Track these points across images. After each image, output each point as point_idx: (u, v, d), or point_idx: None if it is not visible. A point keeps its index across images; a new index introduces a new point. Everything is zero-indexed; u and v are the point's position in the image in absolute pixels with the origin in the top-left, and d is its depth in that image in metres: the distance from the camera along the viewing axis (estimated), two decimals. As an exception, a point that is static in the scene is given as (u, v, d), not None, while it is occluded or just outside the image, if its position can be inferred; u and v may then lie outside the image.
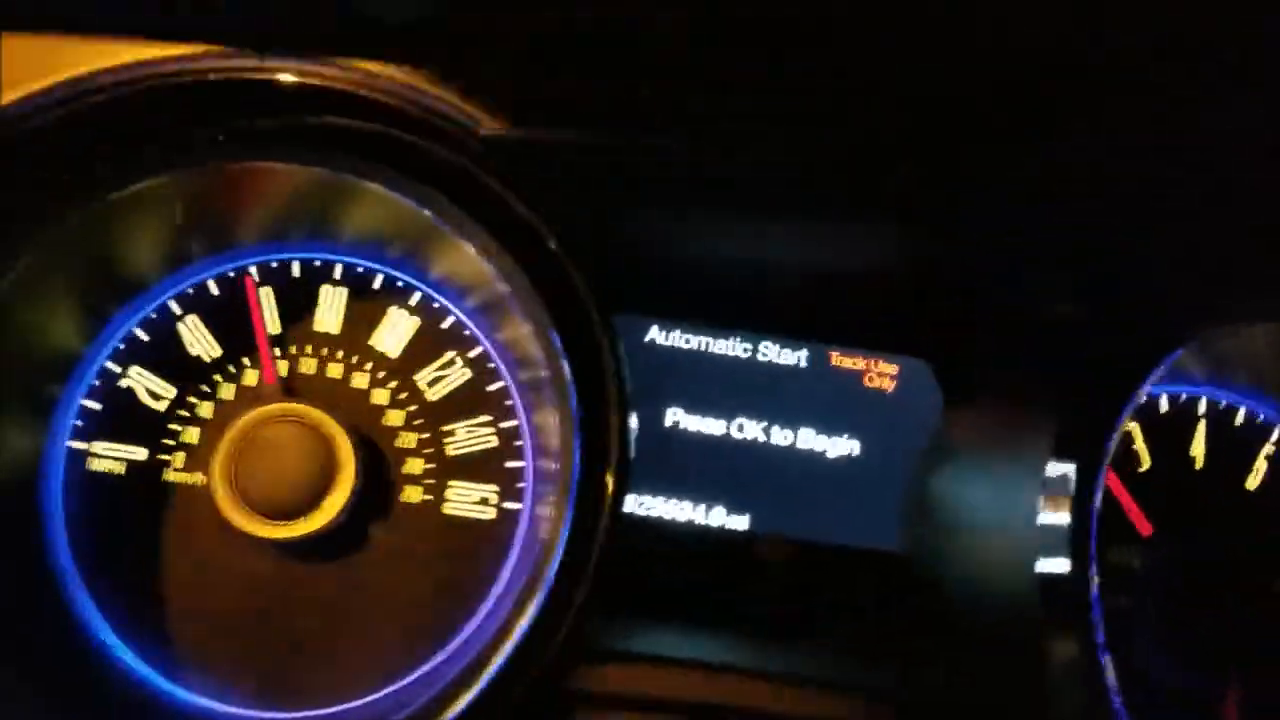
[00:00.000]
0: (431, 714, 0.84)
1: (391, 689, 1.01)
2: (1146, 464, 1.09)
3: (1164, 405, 1.11)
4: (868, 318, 1.14)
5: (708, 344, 1.15)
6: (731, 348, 1.15)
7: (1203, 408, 1.12)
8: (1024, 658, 0.86)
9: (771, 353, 1.15)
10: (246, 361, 1.06)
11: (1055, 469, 0.86)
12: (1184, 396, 1.11)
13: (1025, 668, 0.87)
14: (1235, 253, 0.94)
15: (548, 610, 0.83)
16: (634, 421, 0.91)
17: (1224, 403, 1.12)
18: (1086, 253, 0.99)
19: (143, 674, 1.01)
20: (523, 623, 0.83)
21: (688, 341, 1.15)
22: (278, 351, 1.06)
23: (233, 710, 1.01)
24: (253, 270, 1.08)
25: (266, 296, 1.08)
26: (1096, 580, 0.84)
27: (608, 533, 0.86)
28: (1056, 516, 0.85)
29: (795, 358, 1.15)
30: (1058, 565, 0.84)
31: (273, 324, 1.07)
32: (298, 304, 1.08)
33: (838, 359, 1.14)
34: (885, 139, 0.99)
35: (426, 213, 0.97)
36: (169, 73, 0.99)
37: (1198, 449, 1.10)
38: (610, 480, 0.87)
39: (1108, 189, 0.96)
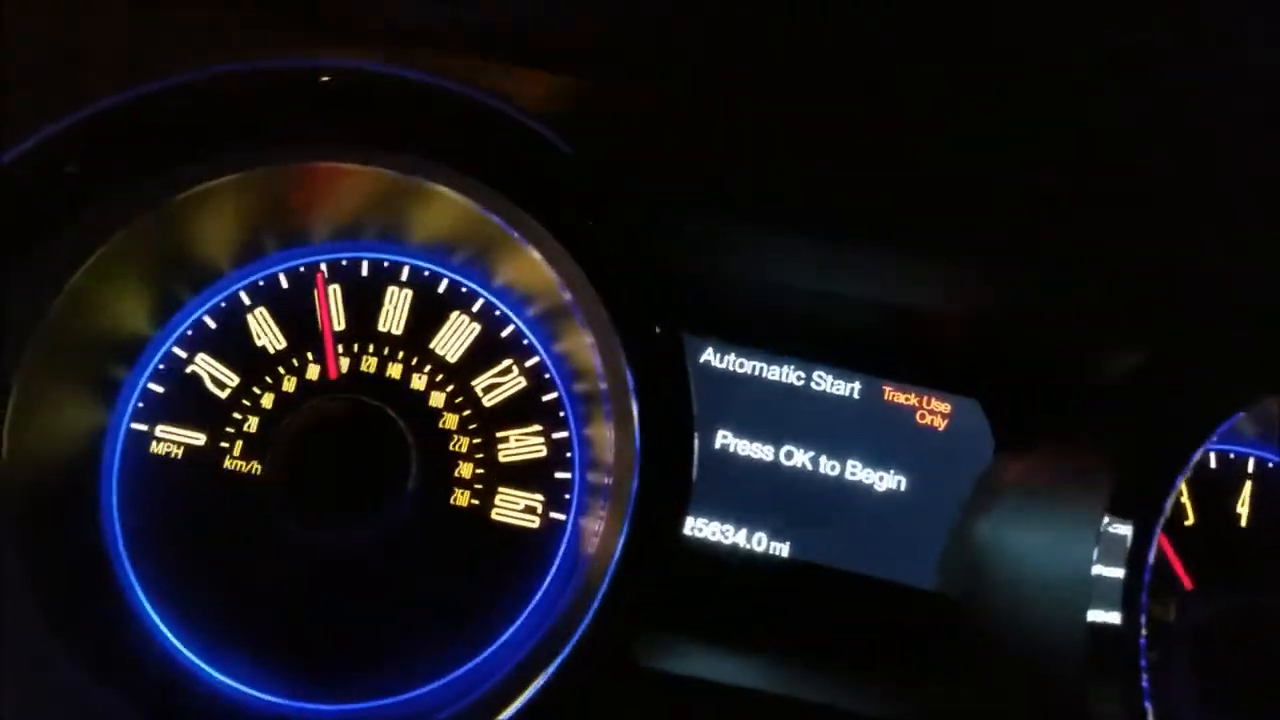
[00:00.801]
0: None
1: (428, 689, 1.02)
2: (1192, 519, 1.09)
3: (1213, 463, 1.11)
4: (923, 354, 1.15)
5: (761, 369, 1.16)
6: (785, 374, 1.16)
7: (1251, 467, 1.12)
8: (1064, 706, 0.87)
9: (824, 382, 1.16)
10: (310, 356, 1.08)
11: (1112, 525, 0.86)
12: (1233, 455, 1.11)
13: (1061, 713, 0.87)
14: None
15: (596, 627, 0.83)
16: (696, 442, 0.92)
17: (1272, 463, 1.12)
18: (1150, 309, 1.00)
19: (184, 655, 1.03)
20: (572, 636, 0.84)
21: (742, 365, 1.16)
22: (340, 349, 1.08)
23: (269, 698, 1.03)
24: (323, 267, 1.10)
25: (334, 294, 1.10)
26: (1146, 633, 0.84)
27: (665, 555, 0.86)
28: (1110, 570, 0.85)
29: (848, 389, 1.15)
30: (1109, 617, 0.84)
31: (338, 321, 1.09)
32: (364, 303, 1.10)
33: (891, 394, 1.15)
34: (962, 183, 1.00)
35: (495, 217, 0.99)
36: (247, 71, 1.01)
37: (1243, 507, 1.10)
38: (673, 502, 0.87)
39: (1177, 246, 0.97)
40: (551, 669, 0.83)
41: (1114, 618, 0.83)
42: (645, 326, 0.92)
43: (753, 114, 1.00)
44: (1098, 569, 0.85)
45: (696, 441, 0.92)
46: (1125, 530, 0.85)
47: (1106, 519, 0.86)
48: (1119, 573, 0.84)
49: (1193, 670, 1.03)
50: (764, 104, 0.99)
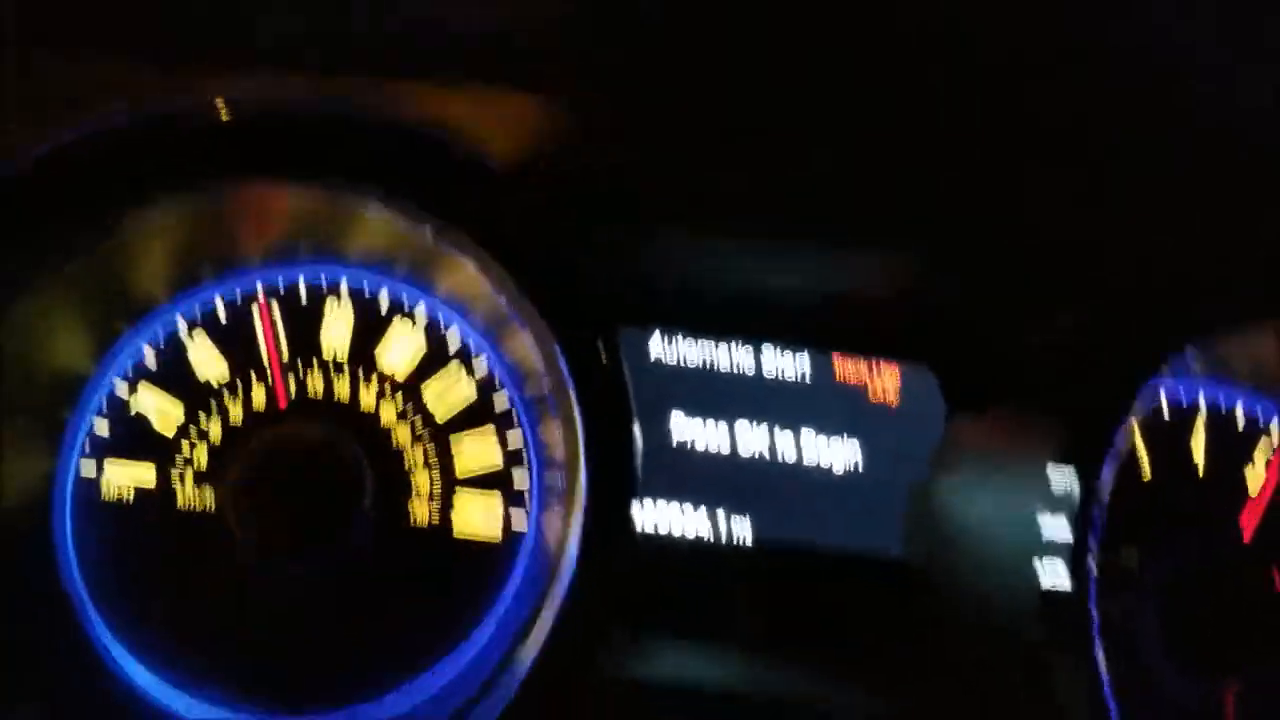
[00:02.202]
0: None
1: (399, 704, 1.02)
2: (1147, 468, 1.10)
3: (1164, 409, 1.12)
4: (870, 326, 1.15)
5: (710, 353, 1.15)
6: (733, 356, 1.15)
7: (1203, 409, 1.12)
8: (1024, 665, 0.87)
9: (774, 360, 1.15)
10: (254, 380, 1.07)
11: (1056, 476, 0.86)
12: (1184, 399, 1.12)
13: (1026, 676, 0.88)
14: (1232, 257, 0.95)
15: (559, 630, 0.83)
16: (638, 434, 0.92)
17: (1224, 404, 1.13)
18: (1086, 260, 1.00)
19: (157, 692, 1.02)
20: (534, 641, 0.84)
21: (690, 351, 1.15)
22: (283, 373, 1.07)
23: (243, 720, 1.02)
24: (260, 292, 1.08)
25: (275, 316, 1.08)
26: (1095, 586, 0.84)
27: (618, 549, 0.86)
28: (1056, 523, 0.86)
29: (797, 364, 1.15)
30: (1058, 571, 0.84)
31: (282, 345, 1.08)
32: (304, 323, 1.08)
33: (840, 364, 1.15)
34: (889, 164, 1.00)
35: (424, 231, 0.98)
36: (173, 103, 0.99)
37: (1197, 449, 1.11)
38: (620, 494, 0.87)
39: (1104, 197, 0.97)
40: (518, 677, 0.82)
41: (1062, 572, 0.84)
42: (577, 325, 0.91)
43: (676, 112, 0.99)
44: (1045, 523, 0.86)
45: (639, 432, 0.92)
46: (1069, 481, 0.85)
47: (1050, 471, 0.86)
48: (1065, 526, 0.84)
49: (1158, 621, 1.04)
50: (688, 101, 0.98)
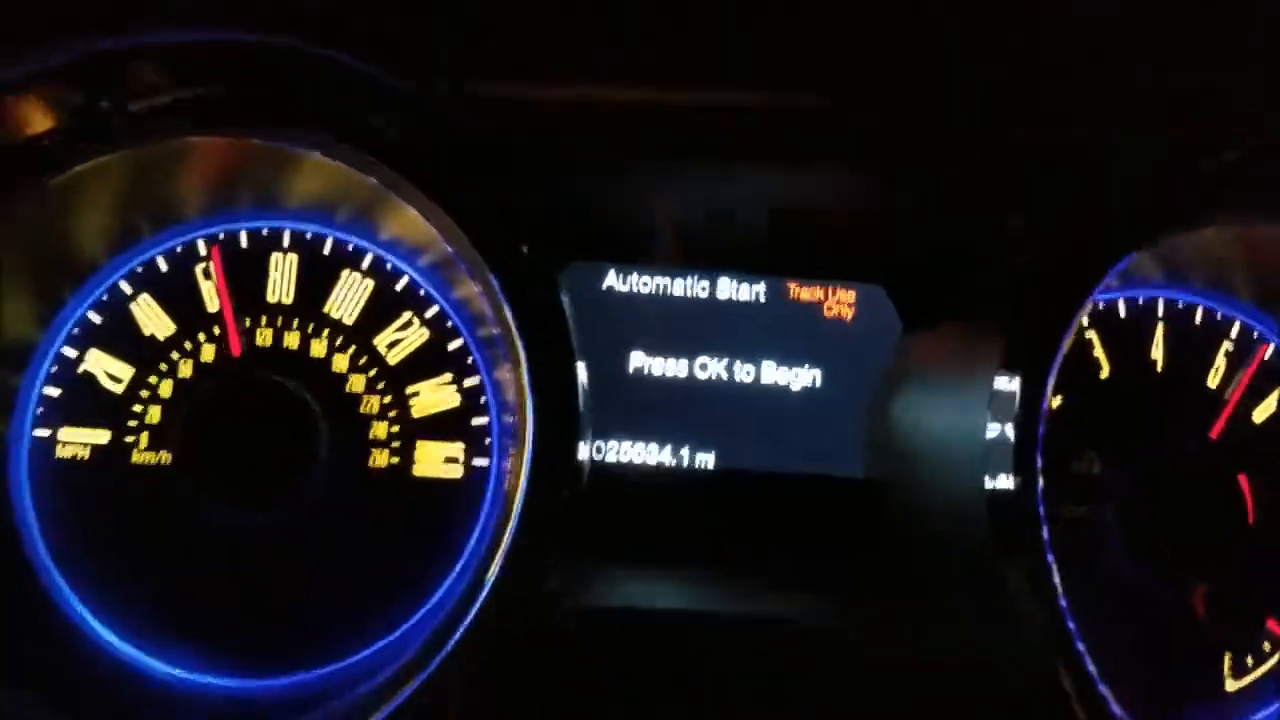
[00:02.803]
0: (400, 680, 0.84)
1: (367, 652, 1.02)
2: (1106, 370, 1.09)
3: (1122, 310, 1.11)
4: (823, 248, 1.14)
5: (666, 285, 1.15)
6: (690, 287, 1.15)
7: (1161, 310, 1.12)
8: (979, 573, 0.87)
9: (729, 289, 1.15)
10: (202, 337, 1.06)
11: (1002, 382, 0.86)
12: (1141, 300, 1.11)
13: (981, 583, 0.88)
14: (1179, 161, 0.93)
15: (509, 566, 0.83)
16: (582, 370, 0.91)
17: (1182, 303, 1.12)
18: (1033, 169, 0.99)
19: (124, 651, 1.03)
20: (487, 580, 0.83)
21: (645, 284, 1.14)
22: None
23: (215, 680, 1.02)
24: (200, 244, 1.07)
25: (216, 269, 1.07)
26: (1046, 488, 0.84)
27: (566, 485, 0.86)
28: (1002, 429, 0.85)
29: (753, 292, 1.15)
30: (1004, 474, 0.84)
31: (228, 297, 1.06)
32: (248, 275, 1.07)
33: (796, 291, 1.14)
34: (835, 82, 0.98)
35: (369, 179, 0.96)
36: (103, 50, 0.97)
37: (1157, 351, 1.10)
38: (565, 430, 0.87)
39: (1050, 105, 0.95)
40: (470, 616, 0.82)
41: (1007, 474, 0.83)
42: (516, 265, 0.90)
43: (620, 41, 0.97)
44: (992, 431, 0.85)
45: (583, 370, 0.91)
46: (1015, 383, 0.84)
47: (998, 377, 0.86)
48: (1010, 430, 0.84)
49: (1122, 523, 1.04)
50: (628, 19, 0.96)
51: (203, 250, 1.07)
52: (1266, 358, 1.12)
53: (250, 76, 0.96)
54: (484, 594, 0.83)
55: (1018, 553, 0.83)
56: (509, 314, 0.88)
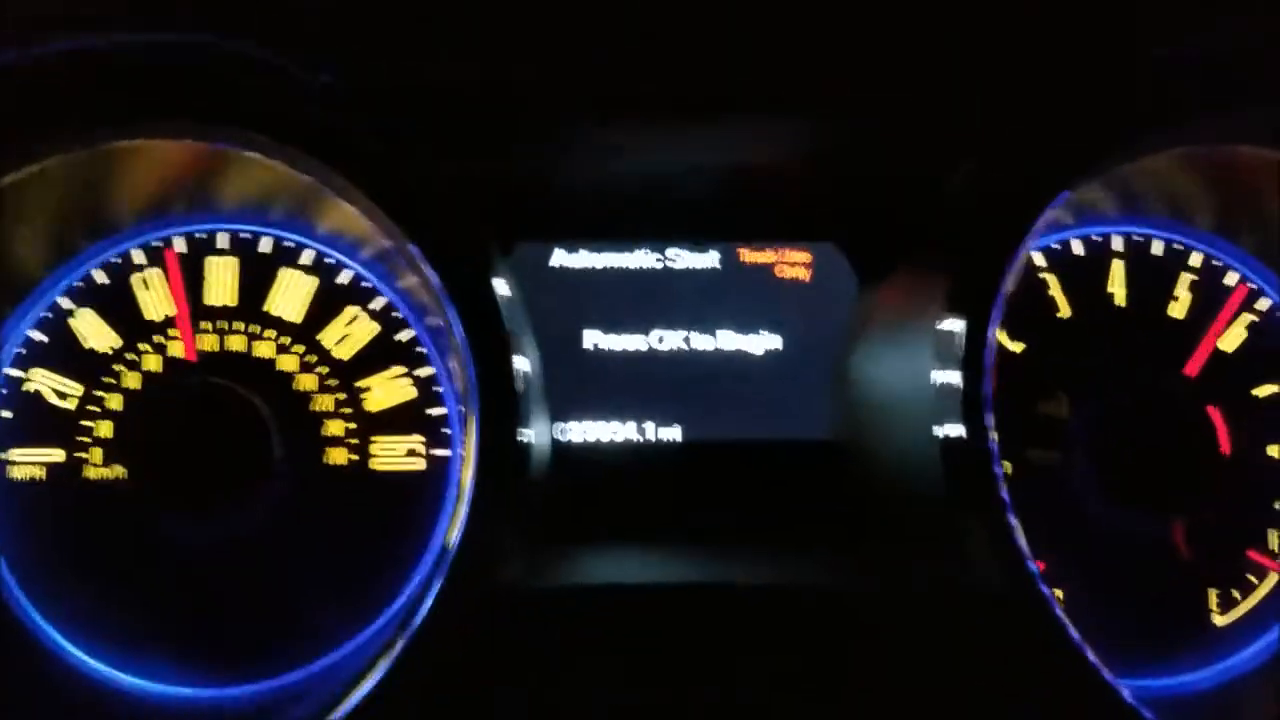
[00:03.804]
0: (362, 675, 0.83)
1: (342, 652, 1.01)
2: (1066, 311, 1.07)
3: (1079, 249, 1.09)
4: (773, 209, 1.12)
5: (615, 259, 1.13)
6: (640, 259, 1.13)
7: (1118, 245, 1.10)
8: (944, 530, 0.86)
9: (681, 258, 1.13)
10: (145, 347, 1.04)
11: (945, 325, 0.84)
12: (1098, 237, 1.09)
13: (947, 540, 0.86)
14: (1115, 91, 0.91)
15: (461, 554, 0.82)
16: (521, 356, 0.89)
17: (1141, 237, 1.10)
18: (976, 113, 0.96)
19: (93, 668, 1.02)
20: (441, 572, 0.82)
21: (595, 259, 1.13)
22: (172, 333, 1.05)
23: (188, 691, 1.01)
24: (135, 253, 1.05)
25: (157, 277, 1.05)
26: (996, 436, 0.82)
27: (511, 469, 0.84)
28: (949, 375, 0.84)
29: (705, 260, 1.13)
30: (956, 427, 0.82)
31: (166, 305, 1.05)
32: (188, 280, 1.05)
33: (748, 255, 1.12)
34: (771, 36, 0.96)
35: (303, 175, 0.94)
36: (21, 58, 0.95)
37: (1116, 287, 1.08)
38: (505, 411, 0.85)
39: (987, 41, 0.93)
40: (425, 609, 0.81)
41: (960, 428, 0.81)
42: (449, 254, 0.88)
43: (549, 5, 0.95)
44: (939, 377, 0.84)
45: (528, 354, 0.89)
46: (959, 327, 0.82)
47: (941, 322, 0.84)
48: (958, 375, 0.82)
49: (1093, 463, 1.02)
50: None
51: (139, 259, 1.05)
52: (1229, 284, 1.10)
53: (173, 76, 0.94)
54: (437, 584, 0.81)
55: (975, 503, 0.81)
56: (446, 304, 0.86)
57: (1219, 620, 1.07)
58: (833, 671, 0.95)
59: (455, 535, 0.83)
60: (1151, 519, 1.03)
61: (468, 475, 0.87)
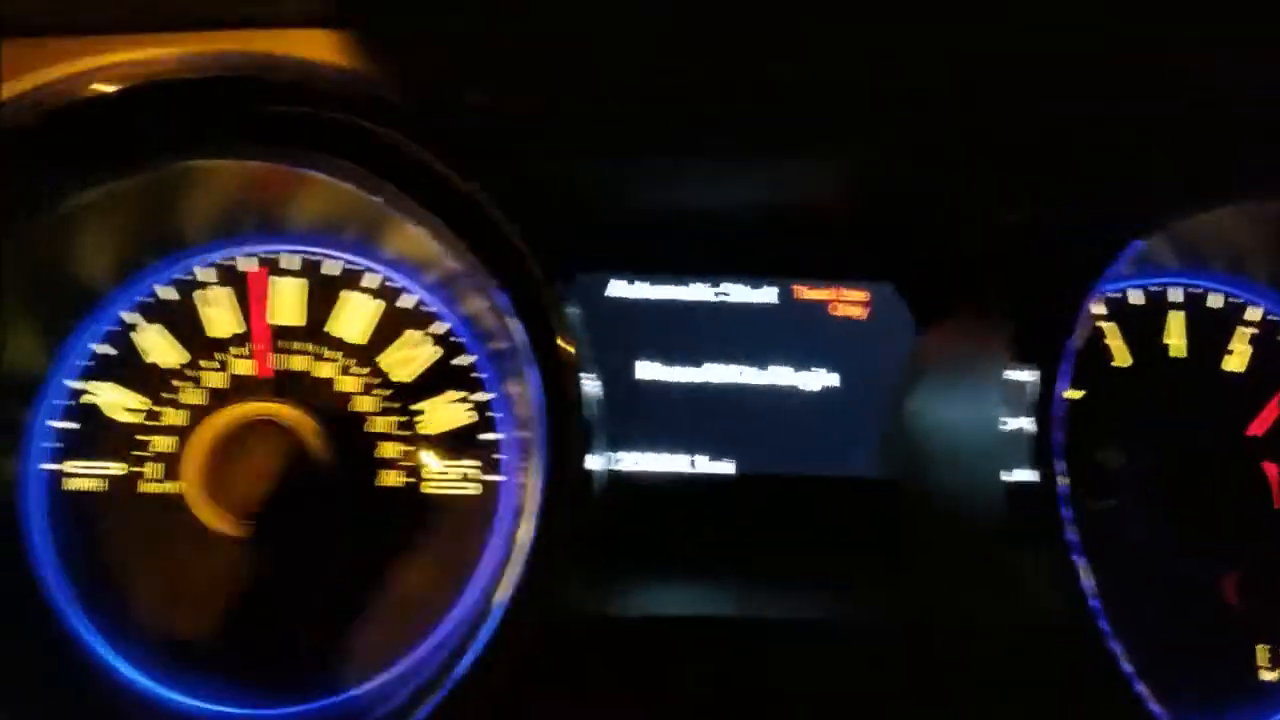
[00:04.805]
0: (414, 704, 0.83)
1: (386, 676, 1.01)
2: (1125, 361, 1.07)
3: (1138, 299, 1.09)
4: (831, 248, 1.13)
5: (672, 292, 1.14)
6: (696, 293, 1.14)
7: (1178, 297, 1.10)
8: (1000, 569, 0.86)
9: (737, 293, 1.14)
10: (208, 364, 1.05)
11: (1014, 375, 0.84)
12: (1156, 288, 1.10)
13: (1003, 579, 0.86)
14: (1181, 145, 0.92)
15: (525, 583, 0.82)
16: (589, 382, 0.90)
17: (1199, 289, 1.11)
18: (1038, 157, 0.97)
19: (138, 682, 1.02)
20: (501, 598, 0.82)
21: (651, 292, 1.14)
22: (235, 351, 1.05)
23: (234, 710, 1.01)
24: (199, 270, 1.06)
25: (229, 296, 1.06)
26: (1065, 482, 0.82)
27: (579, 496, 0.85)
28: (1019, 423, 0.84)
29: (761, 295, 1.13)
30: (1022, 467, 0.83)
31: (236, 323, 1.06)
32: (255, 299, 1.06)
33: (803, 292, 1.13)
34: (832, 74, 0.96)
35: (373, 197, 0.95)
36: (102, 78, 0.96)
37: (1174, 339, 1.09)
38: (575, 442, 0.86)
39: (1050, 90, 0.94)
40: (483, 637, 0.81)
41: (1026, 468, 0.82)
42: (524, 280, 0.89)
43: (611, 39, 0.96)
44: (1008, 424, 0.84)
45: (595, 382, 0.90)
46: (1029, 379, 0.83)
47: (1010, 370, 0.84)
48: (1027, 423, 0.82)
49: (1150, 513, 1.02)
50: (622, 26, 0.95)
51: (205, 277, 1.06)
52: (1288, 340, 1.10)
53: (250, 99, 0.96)
54: (499, 612, 0.81)
55: (1040, 547, 0.82)
56: (519, 329, 0.87)
57: (1267, 676, 1.06)
58: (881, 709, 0.95)
59: (519, 560, 0.83)
60: (1204, 570, 1.03)
61: (530, 500, 0.87)
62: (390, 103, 0.93)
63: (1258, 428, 1.07)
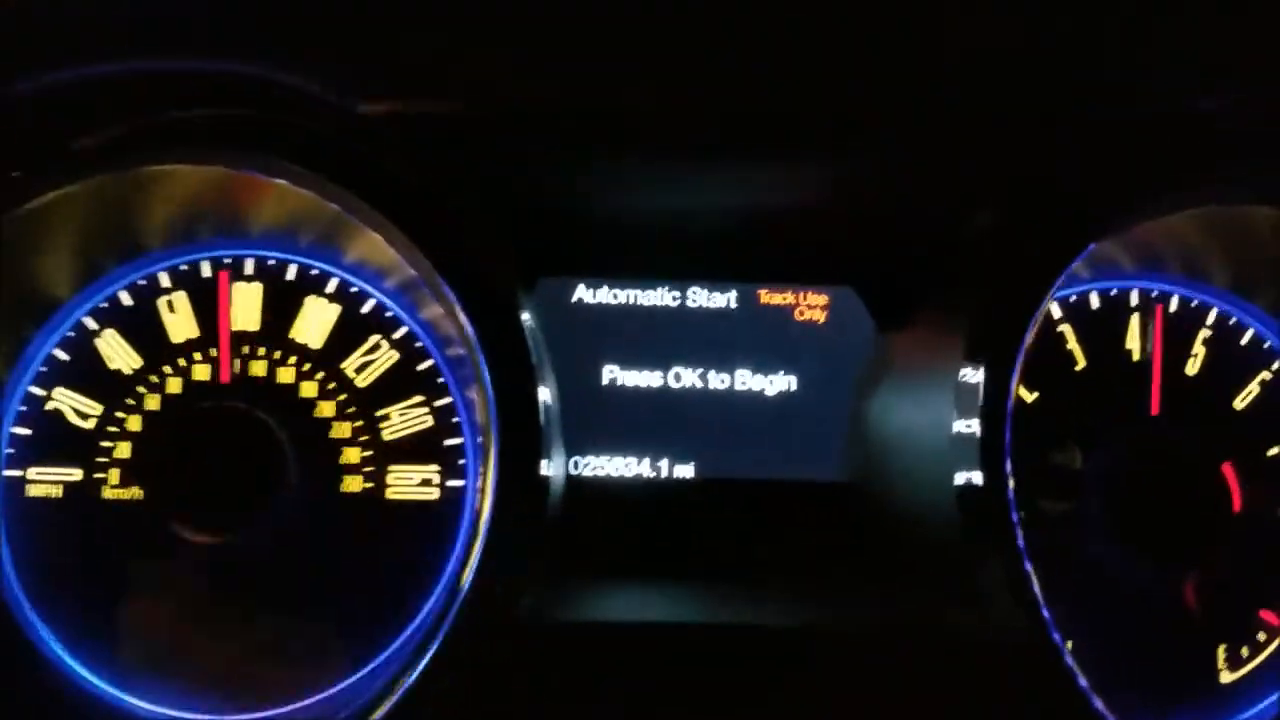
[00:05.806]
0: (373, 708, 0.83)
1: (350, 680, 1.01)
2: (1082, 363, 1.08)
3: (1095, 302, 1.10)
4: (792, 252, 1.13)
5: (636, 296, 1.14)
6: (660, 297, 1.14)
7: (1135, 300, 1.11)
8: (962, 574, 0.86)
9: (700, 297, 1.14)
10: (168, 369, 1.05)
11: (967, 375, 0.85)
12: (1115, 291, 1.10)
13: (964, 584, 0.86)
14: (1140, 150, 0.92)
15: (476, 588, 0.82)
16: (546, 390, 0.90)
17: (1156, 292, 1.11)
18: (996, 160, 0.98)
19: (102, 690, 1.01)
20: (456, 603, 0.82)
21: (615, 296, 1.14)
22: (196, 356, 1.05)
23: (191, 715, 1.01)
24: (162, 276, 1.06)
25: (183, 300, 1.06)
26: (1016, 485, 0.83)
27: (530, 502, 0.85)
28: (970, 423, 0.84)
29: (724, 300, 1.14)
30: (974, 474, 0.83)
31: (189, 328, 1.06)
32: (212, 304, 1.06)
33: (766, 296, 1.13)
34: (797, 77, 0.97)
35: (331, 203, 0.96)
36: (58, 81, 0.96)
37: (1133, 342, 1.09)
38: (528, 448, 0.86)
39: (1008, 95, 0.94)
40: (439, 639, 0.81)
41: (975, 469, 0.82)
42: (478, 286, 0.89)
43: (574, 44, 0.97)
44: (959, 426, 0.84)
45: (545, 388, 0.90)
46: (980, 377, 0.83)
47: (963, 371, 0.85)
48: (977, 424, 0.83)
49: (1106, 514, 1.03)
50: (586, 32, 0.95)
51: (165, 282, 1.06)
52: (1244, 342, 1.11)
53: (207, 103, 0.96)
54: (451, 617, 0.82)
55: (991, 550, 0.82)
56: (471, 335, 0.87)
57: (1226, 677, 1.07)
58: (841, 712, 0.95)
59: (471, 566, 0.83)
60: (1162, 573, 1.04)
61: (485, 506, 0.87)
62: (345, 107, 0.93)
63: (1216, 430, 1.08)
